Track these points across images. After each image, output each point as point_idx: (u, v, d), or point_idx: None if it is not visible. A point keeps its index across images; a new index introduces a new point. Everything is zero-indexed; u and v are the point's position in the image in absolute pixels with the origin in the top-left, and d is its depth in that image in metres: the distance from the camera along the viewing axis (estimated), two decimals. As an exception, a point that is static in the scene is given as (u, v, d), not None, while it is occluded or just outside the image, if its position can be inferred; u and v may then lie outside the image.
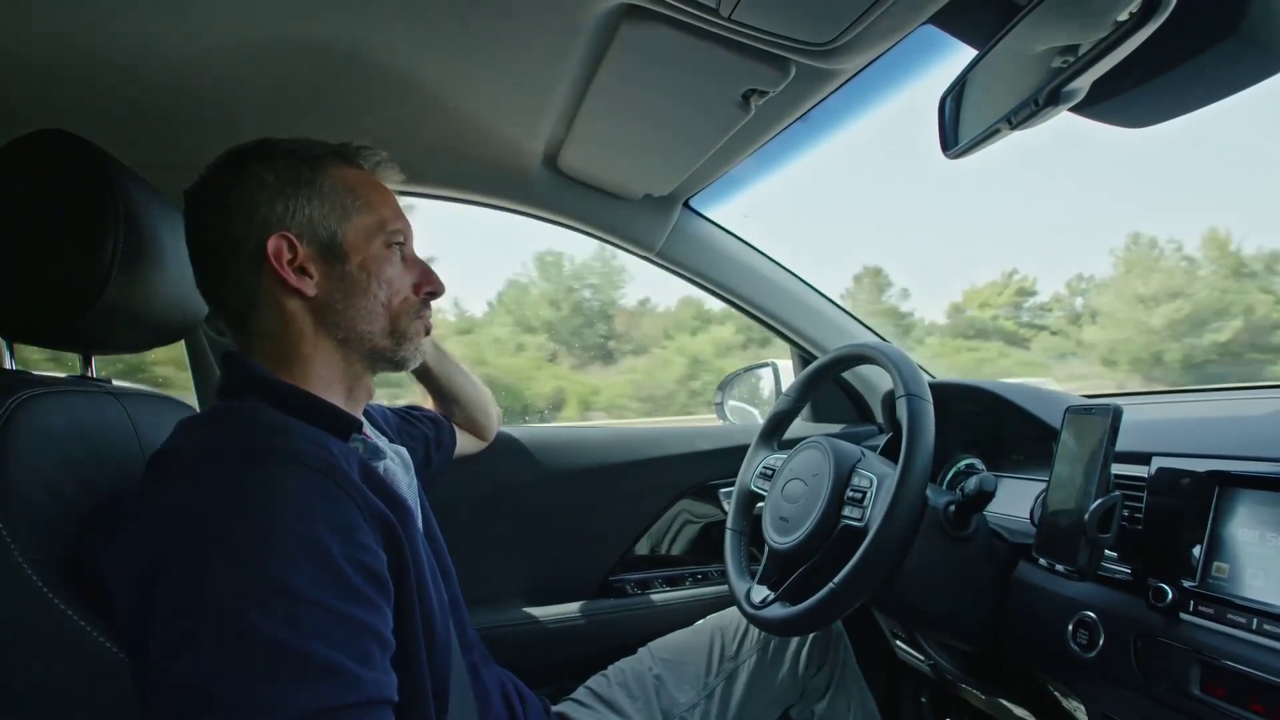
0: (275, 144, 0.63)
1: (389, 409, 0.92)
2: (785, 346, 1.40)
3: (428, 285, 0.68)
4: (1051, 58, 0.55)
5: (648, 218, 1.21)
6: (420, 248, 0.70)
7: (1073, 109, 0.57)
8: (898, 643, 1.13)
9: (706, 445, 1.27)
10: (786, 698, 0.97)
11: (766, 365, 1.47)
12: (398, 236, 0.66)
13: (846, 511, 0.79)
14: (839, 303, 1.34)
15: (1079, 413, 0.73)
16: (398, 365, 0.67)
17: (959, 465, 1.06)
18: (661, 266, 1.27)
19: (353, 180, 0.65)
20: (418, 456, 0.88)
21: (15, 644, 0.50)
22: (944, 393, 0.95)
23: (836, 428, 1.37)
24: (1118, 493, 0.67)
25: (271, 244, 0.60)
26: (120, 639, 0.50)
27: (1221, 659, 0.58)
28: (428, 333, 0.70)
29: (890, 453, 1.06)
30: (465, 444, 1.05)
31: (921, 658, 1.04)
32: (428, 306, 0.69)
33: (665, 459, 1.25)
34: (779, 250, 1.29)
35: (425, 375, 0.97)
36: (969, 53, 0.68)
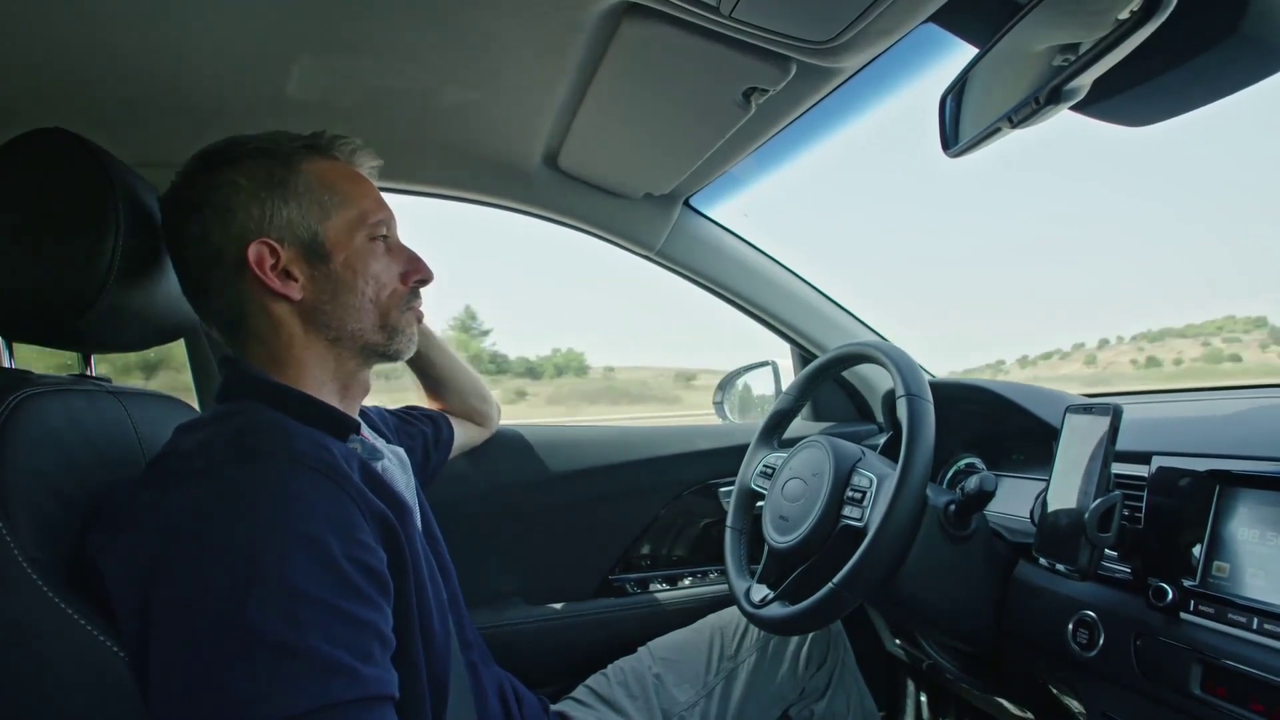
0: (244, 143, 0.62)
1: (387, 411, 0.92)
2: (784, 345, 1.40)
3: (416, 274, 0.67)
4: (1052, 56, 0.55)
5: (647, 216, 1.21)
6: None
7: (1073, 107, 0.57)
8: (897, 641, 1.13)
9: (706, 444, 1.27)
10: (786, 697, 0.97)
11: (766, 364, 1.47)
12: (380, 228, 0.64)
13: (846, 511, 0.79)
14: (839, 301, 1.34)
15: (1079, 412, 0.73)
16: (391, 358, 0.67)
17: (959, 464, 1.05)
18: (661, 265, 1.27)
19: (329, 175, 0.63)
20: (416, 456, 0.88)
21: (15, 644, 0.50)
22: (944, 392, 0.95)
23: (836, 427, 1.37)
24: (1118, 492, 0.67)
25: (252, 251, 0.59)
26: (121, 639, 0.50)
27: (1222, 658, 0.58)
28: (420, 321, 0.69)
29: (890, 452, 1.06)
30: (466, 436, 1.04)
31: (920, 656, 1.04)
32: (417, 295, 0.68)
33: (665, 458, 1.25)
34: (780, 249, 1.29)
35: (414, 361, 0.96)
36: (970, 51, 0.67)
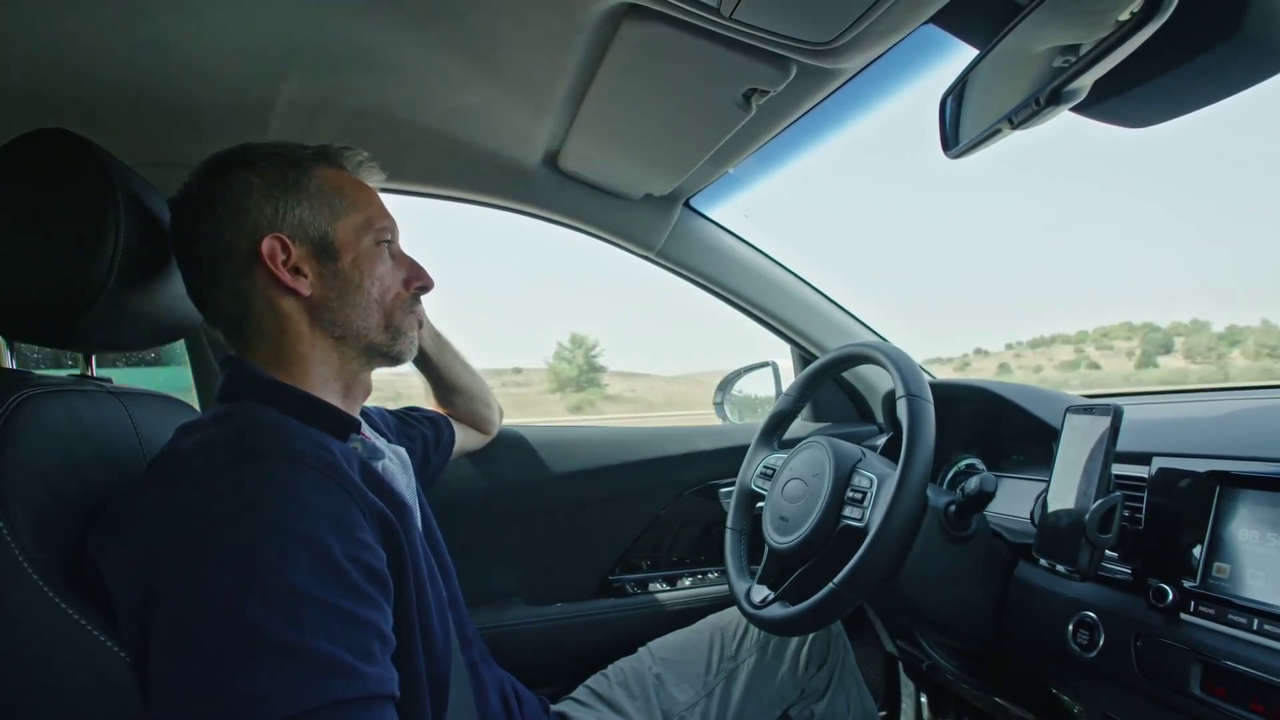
0: (257, 148, 0.64)
1: (388, 411, 0.93)
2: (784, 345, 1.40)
3: (417, 280, 0.69)
4: (1053, 57, 0.55)
5: (648, 217, 1.21)
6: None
7: (1074, 109, 0.57)
8: (897, 641, 1.13)
9: (706, 445, 1.27)
10: (786, 697, 0.97)
11: (766, 365, 1.47)
12: (385, 234, 0.67)
13: (846, 511, 0.79)
14: (839, 302, 1.34)
15: (1079, 412, 0.73)
16: (394, 360, 0.68)
17: (959, 465, 1.05)
18: (661, 266, 1.27)
19: (338, 181, 0.65)
20: (416, 457, 0.88)
21: (16, 644, 0.50)
22: (944, 392, 0.95)
23: (836, 427, 1.37)
24: (1118, 493, 0.67)
25: (265, 245, 0.60)
26: (121, 639, 0.50)
27: (1222, 659, 0.58)
28: (420, 326, 0.71)
29: (891, 453, 1.06)
30: (467, 440, 1.05)
31: (920, 656, 1.04)
32: (419, 301, 0.70)
33: (665, 459, 1.25)
34: (780, 250, 1.29)
35: (425, 364, 0.98)
36: (970, 52, 0.67)
